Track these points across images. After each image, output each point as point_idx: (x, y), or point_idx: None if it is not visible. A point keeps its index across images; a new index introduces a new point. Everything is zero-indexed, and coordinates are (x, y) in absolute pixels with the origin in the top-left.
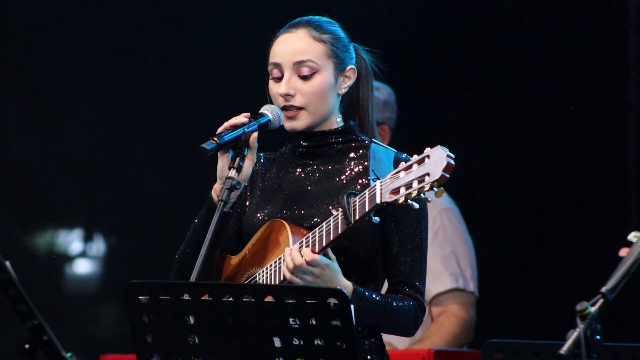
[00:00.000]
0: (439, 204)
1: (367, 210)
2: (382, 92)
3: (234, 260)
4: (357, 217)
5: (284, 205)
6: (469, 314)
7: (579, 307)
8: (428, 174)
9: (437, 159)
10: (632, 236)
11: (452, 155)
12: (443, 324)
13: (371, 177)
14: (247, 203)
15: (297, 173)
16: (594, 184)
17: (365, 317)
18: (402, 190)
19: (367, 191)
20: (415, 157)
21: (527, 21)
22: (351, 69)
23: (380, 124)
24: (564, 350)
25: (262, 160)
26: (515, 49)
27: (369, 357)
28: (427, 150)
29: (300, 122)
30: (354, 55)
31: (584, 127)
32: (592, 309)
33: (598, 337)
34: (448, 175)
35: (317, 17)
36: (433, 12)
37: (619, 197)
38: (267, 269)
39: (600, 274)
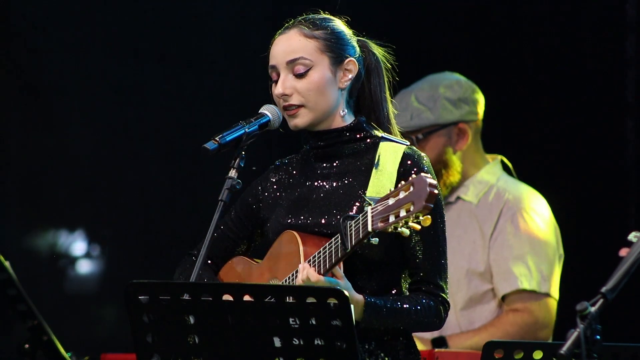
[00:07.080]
0: (516, 203)
1: (361, 237)
2: (455, 89)
3: (255, 268)
4: (353, 244)
5: (307, 212)
6: (532, 316)
7: (579, 307)
8: (413, 204)
9: (420, 190)
10: (632, 236)
11: (435, 184)
12: (493, 324)
13: (365, 198)
14: (272, 211)
15: (317, 178)
16: (594, 184)
17: (383, 324)
18: (392, 219)
19: (360, 217)
20: (402, 184)
21: (525, 21)
22: (350, 61)
23: (457, 124)
24: (564, 350)
25: (282, 166)
26: (514, 48)
27: (401, 352)
28: (413, 177)
29: (302, 119)
30: (355, 49)
31: (583, 127)
32: (592, 309)
33: (598, 337)
34: (432, 205)
35: (311, 15)
36: (432, 12)
37: (619, 197)
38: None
39: (600, 274)
